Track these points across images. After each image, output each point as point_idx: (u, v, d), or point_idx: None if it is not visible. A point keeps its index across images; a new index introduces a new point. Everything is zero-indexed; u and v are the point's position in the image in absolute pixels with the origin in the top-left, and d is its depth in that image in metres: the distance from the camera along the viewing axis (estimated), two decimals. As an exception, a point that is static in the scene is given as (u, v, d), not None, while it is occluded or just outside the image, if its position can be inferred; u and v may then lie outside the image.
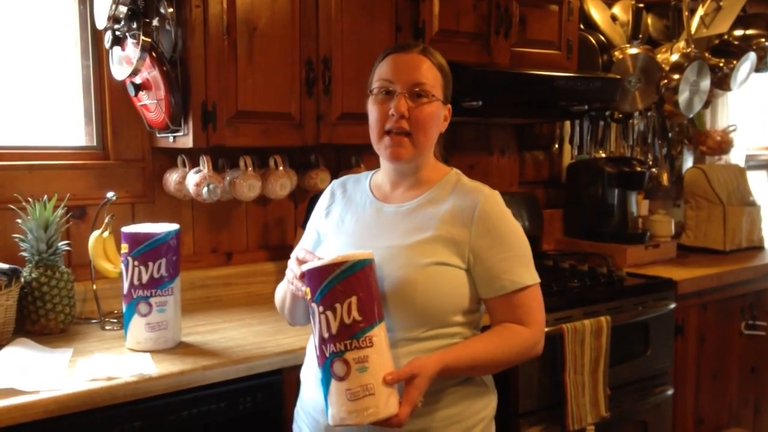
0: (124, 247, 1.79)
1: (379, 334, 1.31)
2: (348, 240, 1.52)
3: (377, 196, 1.58)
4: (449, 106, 1.55)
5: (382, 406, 1.28)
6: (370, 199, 1.58)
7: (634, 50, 3.19)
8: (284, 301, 1.57)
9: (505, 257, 1.44)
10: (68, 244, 2.01)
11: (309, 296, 1.32)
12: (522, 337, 1.45)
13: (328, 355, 1.29)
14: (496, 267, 1.44)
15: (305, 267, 1.33)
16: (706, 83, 3.31)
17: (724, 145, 3.85)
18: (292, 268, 1.44)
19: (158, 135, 2.20)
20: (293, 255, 1.47)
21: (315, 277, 1.31)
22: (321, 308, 1.29)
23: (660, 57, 3.29)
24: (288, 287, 1.48)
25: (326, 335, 1.29)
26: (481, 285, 1.46)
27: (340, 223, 1.58)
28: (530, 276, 1.47)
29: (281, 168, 2.34)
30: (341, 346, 1.28)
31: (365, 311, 1.30)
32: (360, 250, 1.38)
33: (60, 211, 1.95)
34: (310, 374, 1.52)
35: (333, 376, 1.29)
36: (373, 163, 2.63)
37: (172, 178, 2.25)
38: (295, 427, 1.61)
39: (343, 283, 1.29)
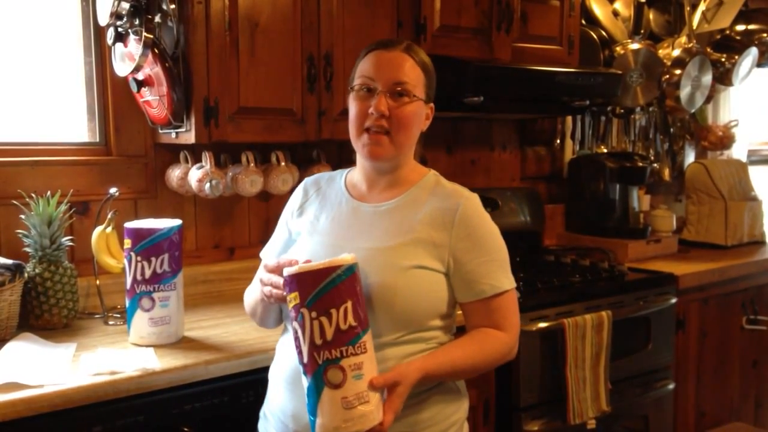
0: (127, 243, 1.80)
1: (369, 339, 1.27)
2: (323, 240, 1.48)
3: (353, 194, 1.53)
4: (432, 105, 1.51)
5: (375, 413, 1.25)
6: (345, 197, 1.53)
7: (635, 45, 3.19)
8: (256, 306, 1.52)
9: (484, 261, 1.43)
10: (71, 240, 2.01)
11: (297, 301, 1.24)
12: (500, 342, 1.44)
13: (321, 362, 1.23)
14: (475, 271, 1.42)
15: (292, 270, 1.25)
16: (707, 78, 3.31)
17: (725, 140, 3.85)
18: (269, 276, 1.38)
19: (160, 131, 2.20)
20: (264, 262, 1.42)
21: (306, 281, 1.24)
22: (314, 314, 1.23)
23: (661, 52, 3.29)
24: (260, 292, 1.42)
25: (319, 342, 1.23)
26: (460, 289, 1.44)
27: (315, 222, 1.53)
28: (508, 281, 1.46)
29: (283, 164, 2.34)
30: (337, 353, 1.22)
31: (359, 316, 1.26)
32: (337, 250, 1.34)
33: (63, 207, 1.95)
34: (280, 377, 1.48)
35: (327, 384, 1.23)
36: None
37: (174, 173, 2.26)
38: (261, 428, 1.56)
39: (339, 288, 1.24)
